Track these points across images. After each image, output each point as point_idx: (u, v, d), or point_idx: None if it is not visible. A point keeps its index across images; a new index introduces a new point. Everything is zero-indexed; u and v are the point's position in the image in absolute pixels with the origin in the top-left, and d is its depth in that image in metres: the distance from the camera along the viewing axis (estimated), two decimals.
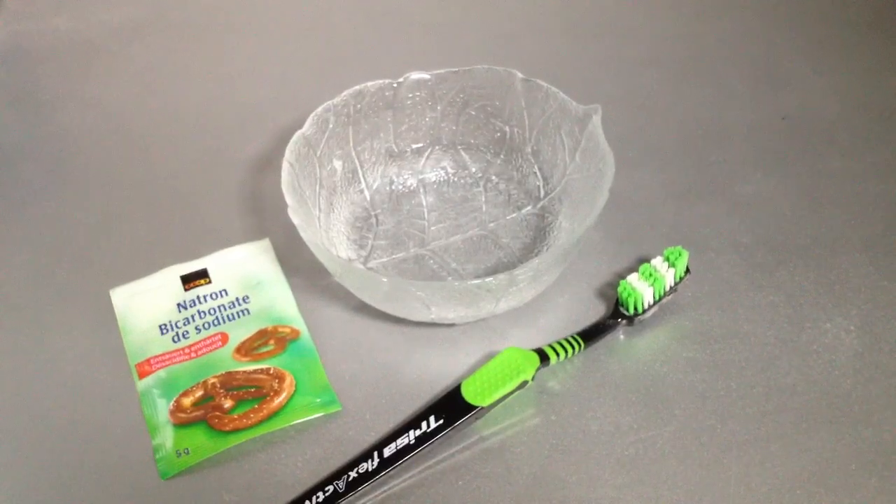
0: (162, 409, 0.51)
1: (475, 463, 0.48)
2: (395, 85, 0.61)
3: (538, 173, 0.62)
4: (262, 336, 0.55)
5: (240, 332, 0.55)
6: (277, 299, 0.57)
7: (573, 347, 0.52)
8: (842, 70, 0.75)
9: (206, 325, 0.55)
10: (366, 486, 0.46)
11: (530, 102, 0.61)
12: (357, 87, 0.60)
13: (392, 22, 0.84)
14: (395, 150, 0.63)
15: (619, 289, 0.53)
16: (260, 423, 0.50)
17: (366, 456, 0.47)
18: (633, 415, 0.50)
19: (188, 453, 0.49)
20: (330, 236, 0.58)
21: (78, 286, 0.59)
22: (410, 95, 0.62)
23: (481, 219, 0.61)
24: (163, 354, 0.54)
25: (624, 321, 0.54)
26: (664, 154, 0.67)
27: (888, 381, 0.51)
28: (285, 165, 0.55)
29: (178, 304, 0.56)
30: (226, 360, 0.53)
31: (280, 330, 0.55)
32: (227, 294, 0.57)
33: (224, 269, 0.58)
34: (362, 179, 0.62)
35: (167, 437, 0.50)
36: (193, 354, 0.54)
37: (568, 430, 0.49)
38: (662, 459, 0.48)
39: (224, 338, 0.55)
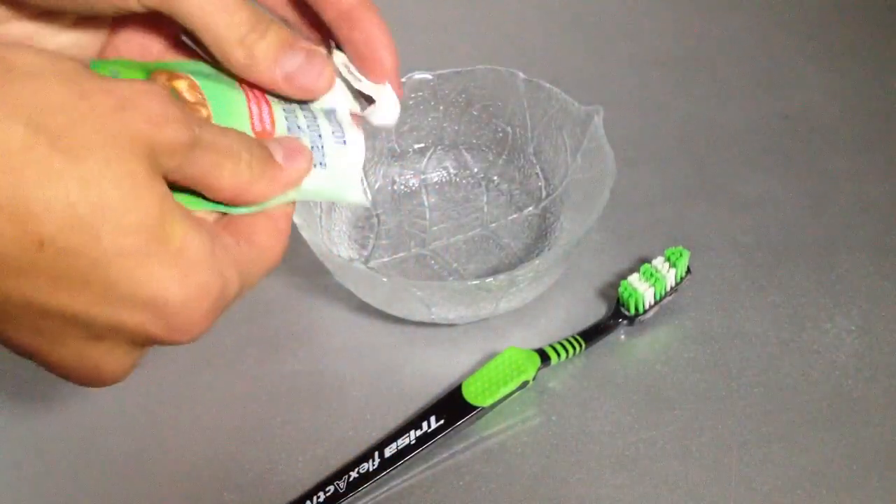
0: None
1: (475, 463, 0.48)
2: None
3: (540, 174, 0.62)
4: None
5: None
6: None
7: (574, 348, 0.52)
8: (842, 70, 0.74)
9: None
10: (366, 487, 0.46)
11: (532, 103, 0.61)
12: None
13: (394, 22, 0.84)
14: (398, 149, 0.63)
15: (620, 289, 0.53)
16: None
17: (366, 456, 0.47)
18: (633, 415, 0.50)
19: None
20: (331, 236, 0.58)
21: None
22: (413, 95, 0.62)
23: (483, 219, 0.61)
24: None
25: (625, 321, 0.54)
26: (665, 154, 0.67)
27: (888, 381, 0.51)
28: None
29: None
30: None
31: None
32: None
33: None
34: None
35: None
36: None
37: (568, 430, 0.49)
38: (662, 459, 0.48)
39: None
